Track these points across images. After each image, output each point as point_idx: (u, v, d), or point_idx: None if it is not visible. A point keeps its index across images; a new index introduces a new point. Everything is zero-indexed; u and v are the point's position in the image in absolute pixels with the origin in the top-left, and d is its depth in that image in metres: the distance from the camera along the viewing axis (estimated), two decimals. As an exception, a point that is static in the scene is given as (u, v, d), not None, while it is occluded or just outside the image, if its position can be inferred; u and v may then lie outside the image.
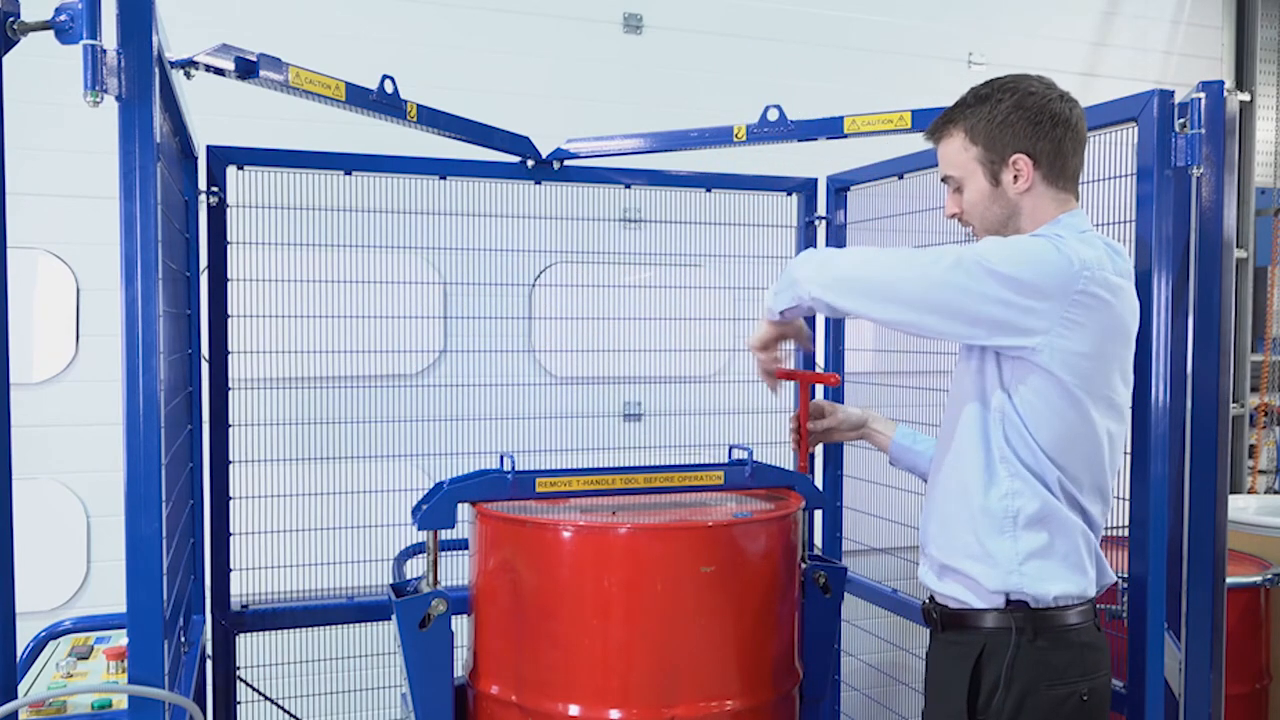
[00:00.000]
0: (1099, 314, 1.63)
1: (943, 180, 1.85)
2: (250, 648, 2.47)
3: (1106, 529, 2.17)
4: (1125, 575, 2.01)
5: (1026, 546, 1.69)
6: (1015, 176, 1.73)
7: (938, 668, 1.81)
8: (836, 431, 2.21)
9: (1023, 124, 1.72)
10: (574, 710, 1.91)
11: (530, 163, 2.63)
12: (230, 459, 2.40)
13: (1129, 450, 1.99)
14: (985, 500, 1.71)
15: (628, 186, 2.75)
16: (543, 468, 2.24)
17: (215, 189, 2.35)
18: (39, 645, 2.15)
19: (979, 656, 1.70)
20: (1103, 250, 1.67)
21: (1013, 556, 1.69)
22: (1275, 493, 4.61)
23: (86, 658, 2.02)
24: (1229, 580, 2.09)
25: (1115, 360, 1.69)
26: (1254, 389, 4.67)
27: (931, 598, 1.84)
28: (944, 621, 1.80)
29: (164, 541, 1.39)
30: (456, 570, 2.27)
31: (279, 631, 2.49)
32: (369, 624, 2.54)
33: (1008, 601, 1.71)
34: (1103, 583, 1.79)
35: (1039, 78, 1.77)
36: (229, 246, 2.38)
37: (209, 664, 2.37)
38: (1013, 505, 1.69)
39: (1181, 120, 1.92)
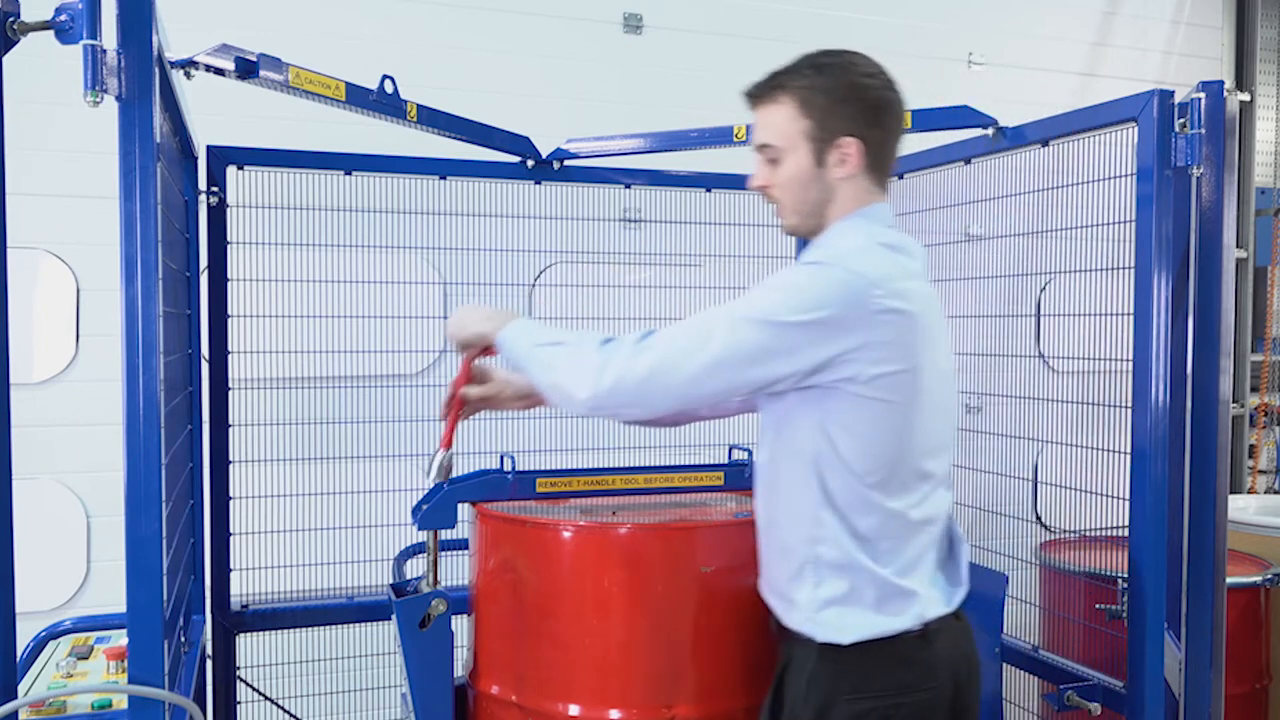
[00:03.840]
0: (902, 326, 1.52)
1: (757, 149, 1.67)
2: (250, 648, 2.47)
3: (1106, 529, 2.18)
4: (1125, 575, 2.01)
5: (825, 593, 1.58)
6: (842, 160, 1.60)
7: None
8: (500, 399, 1.92)
9: (860, 107, 1.59)
10: (574, 710, 1.91)
11: (530, 163, 2.63)
12: (230, 459, 2.39)
13: (1129, 450, 2.00)
14: (786, 539, 1.63)
15: (628, 186, 2.75)
16: (543, 468, 2.24)
17: (215, 189, 2.35)
18: (39, 645, 2.14)
19: (785, 666, 1.66)
20: (888, 257, 1.57)
21: (810, 602, 1.59)
22: (1275, 493, 4.61)
23: (86, 658, 2.01)
24: (1229, 580, 2.09)
25: (927, 361, 1.56)
26: (1254, 389, 4.66)
27: None
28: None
29: (164, 541, 1.39)
30: (456, 570, 2.27)
31: (279, 631, 2.49)
32: (369, 624, 2.54)
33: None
34: (925, 612, 1.59)
35: (871, 60, 1.64)
36: (229, 246, 2.38)
37: (209, 664, 2.37)
38: (813, 551, 1.58)
39: (1181, 120, 1.92)
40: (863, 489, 1.55)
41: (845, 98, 1.59)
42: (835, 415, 1.54)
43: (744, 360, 1.52)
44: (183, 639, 1.90)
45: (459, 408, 1.91)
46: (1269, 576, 3.05)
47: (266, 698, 2.49)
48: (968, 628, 1.71)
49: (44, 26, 1.29)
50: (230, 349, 2.39)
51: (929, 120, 2.46)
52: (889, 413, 1.53)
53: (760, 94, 1.65)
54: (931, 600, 1.60)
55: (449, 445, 1.91)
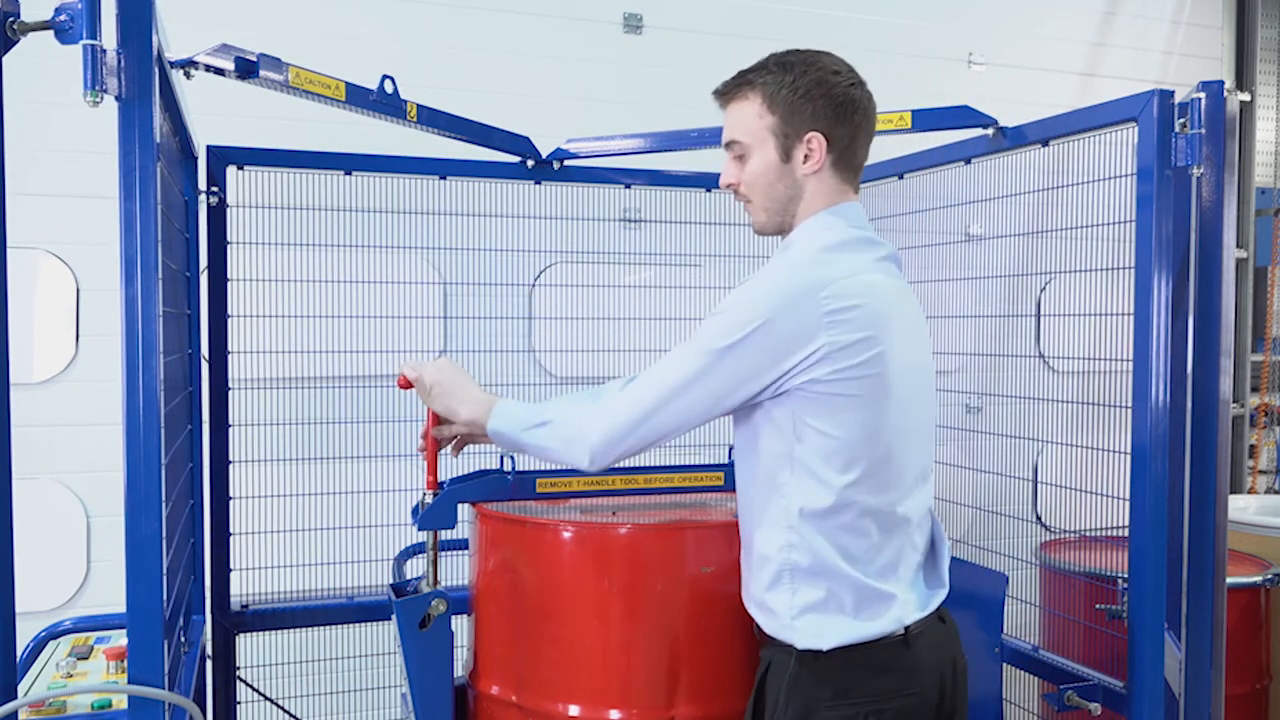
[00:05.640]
0: (860, 324, 1.51)
1: (725, 146, 1.70)
2: (250, 648, 2.47)
3: (1106, 529, 2.18)
4: (1125, 575, 2.01)
5: (802, 600, 1.58)
6: (806, 156, 1.62)
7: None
8: (474, 436, 1.91)
9: (824, 103, 1.60)
10: (574, 710, 1.91)
11: (530, 163, 2.63)
12: (230, 459, 2.39)
13: (1129, 450, 1.99)
14: (762, 548, 1.63)
15: (628, 186, 2.75)
16: (543, 468, 2.23)
17: (215, 189, 2.35)
18: (39, 645, 2.14)
19: (766, 671, 1.65)
20: (843, 256, 1.57)
21: (788, 609, 1.59)
22: (1275, 493, 4.61)
23: (86, 658, 2.01)
24: (1229, 580, 2.09)
25: (893, 354, 1.55)
26: (1254, 389, 4.66)
27: None
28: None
29: (164, 541, 1.39)
30: (456, 570, 2.27)
31: (279, 631, 2.49)
32: (369, 624, 2.54)
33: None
34: (904, 616, 1.58)
35: (840, 60, 1.66)
36: (229, 246, 2.38)
37: (209, 664, 2.37)
38: (788, 557, 1.58)
39: (1181, 120, 1.92)
40: (838, 489, 1.54)
41: (810, 94, 1.60)
42: (802, 417, 1.54)
43: (714, 389, 1.56)
44: (183, 639, 1.90)
45: (435, 449, 1.95)
46: (1269, 576, 3.05)
47: (266, 698, 2.49)
48: (953, 630, 1.70)
49: (44, 26, 1.29)
50: (230, 349, 2.39)
51: (929, 120, 2.46)
52: (857, 408, 1.53)
53: (727, 91, 1.68)
54: (910, 603, 1.60)
55: (433, 487, 1.97)
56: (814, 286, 1.51)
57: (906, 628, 1.58)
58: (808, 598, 1.57)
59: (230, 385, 2.39)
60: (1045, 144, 2.27)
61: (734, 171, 1.69)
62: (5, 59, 1.28)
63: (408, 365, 1.91)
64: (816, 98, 1.60)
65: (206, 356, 2.37)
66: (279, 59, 1.94)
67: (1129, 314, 1.99)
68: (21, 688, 1.85)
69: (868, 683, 1.56)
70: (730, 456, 2.23)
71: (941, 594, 1.66)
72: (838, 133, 1.62)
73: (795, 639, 1.58)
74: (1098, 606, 2.17)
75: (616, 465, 1.68)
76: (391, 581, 2.14)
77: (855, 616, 1.56)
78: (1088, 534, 2.35)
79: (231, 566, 2.40)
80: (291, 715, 2.56)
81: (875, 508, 1.57)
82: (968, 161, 2.48)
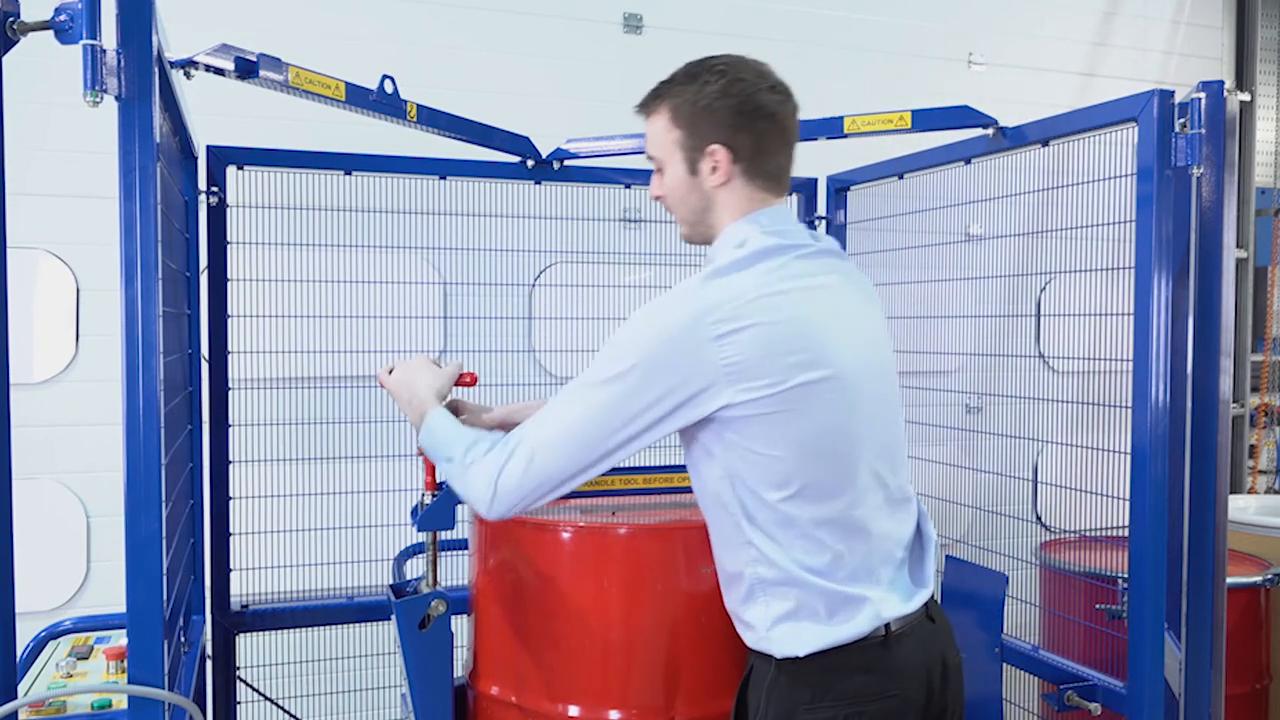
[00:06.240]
0: (766, 339, 1.47)
1: (649, 159, 1.69)
2: (250, 648, 2.47)
3: (1106, 529, 2.18)
4: (1125, 575, 2.01)
5: (775, 612, 1.56)
6: (714, 168, 1.59)
7: None
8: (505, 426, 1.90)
9: (725, 113, 1.57)
10: (574, 711, 1.91)
11: (530, 163, 2.63)
12: (230, 459, 2.39)
13: (1129, 450, 1.99)
14: (729, 566, 1.61)
15: (628, 186, 2.75)
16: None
17: (215, 189, 2.35)
18: (39, 645, 2.15)
19: (747, 676, 1.65)
20: (745, 274, 1.51)
21: (763, 622, 1.57)
22: (1275, 493, 4.61)
23: (86, 658, 2.01)
24: (1229, 580, 2.09)
25: (819, 361, 1.51)
26: (1254, 389, 4.67)
27: None
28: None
29: (164, 541, 1.39)
30: (456, 570, 2.27)
31: (279, 631, 2.49)
32: (369, 624, 2.54)
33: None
34: (882, 617, 1.55)
35: (755, 64, 1.62)
36: (229, 246, 2.38)
37: (209, 664, 2.37)
38: (754, 572, 1.56)
39: (1181, 120, 1.92)
40: (780, 505, 1.51)
41: (711, 105, 1.58)
42: (731, 440, 1.51)
43: (604, 425, 1.51)
44: (183, 639, 1.90)
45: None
46: (1269, 576, 3.05)
47: (266, 698, 2.49)
48: (943, 629, 1.68)
49: (44, 26, 1.29)
50: (230, 349, 2.39)
51: (929, 120, 2.46)
52: (783, 424, 1.49)
53: (645, 105, 1.67)
54: (888, 604, 1.57)
55: (433, 487, 1.98)
56: (700, 314, 1.47)
57: (887, 629, 1.56)
58: (780, 609, 1.55)
59: (230, 385, 2.39)
60: (1045, 144, 2.27)
61: (657, 184, 1.68)
62: (5, 59, 1.28)
63: (381, 369, 1.89)
64: (718, 109, 1.58)
65: (206, 356, 2.37)
66: (279, 59, 1.94)
67: (1129, 314, 1.99)
68: (21, 688, 1.85)
69: (847, 683, 1.54)
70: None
71: (924, 593, 1.63)
72: (740, 141, 1.58)
73: (773, 649, 1.56)
74: (1098, 606, 2.17)
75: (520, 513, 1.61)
76: (391, 582, 2.14)
77: (829, 621, 1.54)
78: (1088, 534, 2.36)
79: (231, 566, 2.40)
80: (291, 715, 2.56)
81: (825, 517, 1.53)
82: (968, 161, 2.48)
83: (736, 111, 1.58)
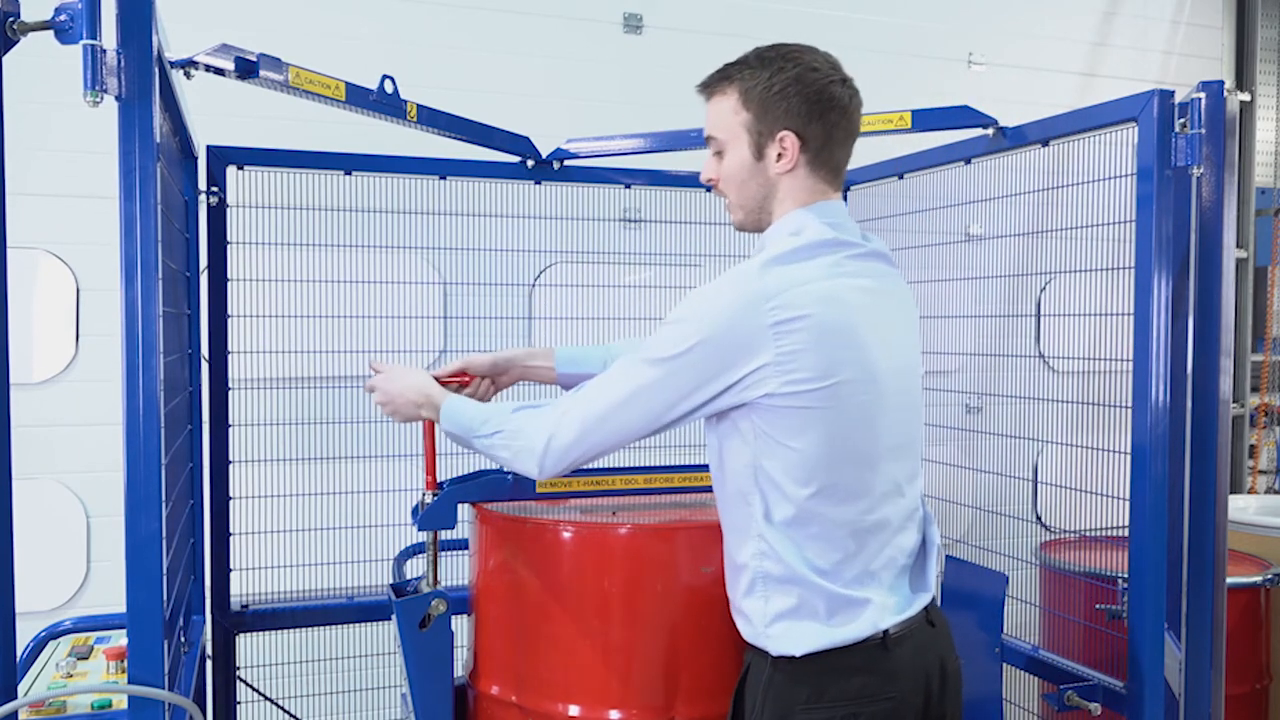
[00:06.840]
0: (812, 333, 1.47)
1: (706, 141, 1.68)
2: (250, 648, 2.47)
3: (1106, 529, 2.18)
4: (1125, 575, 2.02)
5: (775, 608, 1.56)
6: (780, 155, 1.58)
7: None
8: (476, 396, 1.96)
9: (799, 100, 1.57)
10: (574, 711, 1.91)
11: (530, 163, 2.63)
12: (230, 459, 2.39)
13: (1129, 450, 2.00)
14: (736, 556, 1.61)
15: (627, 186, 2.75)
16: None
17: (215, 189, 2.35)
18: (39, 645, 2.15)
19: (745, 674, 1.65)
20: (799, 264, 1.52)
21: (762, 617, 1.58)
22: (1275, 493, 4.61)
23: (86, 658, 2.01)
24: (1229, 580, 2.09)
25: (853, 362, 1.52)
26: (1254, 389, 4.67)
27: None
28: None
29: (164, 541, 1.39)
30: (456, 570, 2.27)
31: (279, 631, 2.49)
32: (369, 624, 2.54)
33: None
34: (880, 621, 1.55)
35: (825, 55, 1.63)
36: (229, 246, 2.38)
37: (209, 664, 2.37)
38: (760, 565, 1.57)
39: (1181, 120, 1.92)
40: (802, 501, 1.52)
41: (785, 91, 1.57)
42: (763, 429, 1.52)
43: (656, 402, 1.55)
44: (183, 639, 1.90)
45: (433, 449, 1.99)
46: (1269, 576, 3.05)
47: (266, 698, 2.49)
48: (943, 633, 1.67)
49: (44, 26, 1.29)
50: (230, 349, 2.39)
51: (929, 120, 2.46)
52: (817, 421, 1.50)
53: (709, 86, 1.66)
54: (888, 607, 1.57)
55: (433, 487, 2.00)
56: (758, 298, 1.47)
57: (885, 632, 1.55)
58: (780, 605, 1.56)
59: (230, 385, 2.39)
60: (1045, 144, 2.27)
61: (713, 167, 1.67)
62: (5, 59, 1.28)
63: (367, 384, 1.93)
64: (792, 95, 1.57)
65: (206, 356, 2.37)
66: (279, 59, 1.94)
67: (1129, 314, 1.99)
68: (21, 688, 1.85)
69: (844, 684, 1.53)
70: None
71: (925, 598, 1.63)
72: (812, 131, 1.58)
73: (769, 645, 1.57)
74: (1098, 606, 2.17)
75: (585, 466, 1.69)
76: (391, 581, 2.14)
77: (828, 622, 1.54)
78: (1088, 534, 2.36)
79: (231, 566, 2.40)
80: (291, 715, 2.56)
81: (843, 519, 1.54)
82: (968, 161, 2.49)
83: (810, 100, 1.58)
